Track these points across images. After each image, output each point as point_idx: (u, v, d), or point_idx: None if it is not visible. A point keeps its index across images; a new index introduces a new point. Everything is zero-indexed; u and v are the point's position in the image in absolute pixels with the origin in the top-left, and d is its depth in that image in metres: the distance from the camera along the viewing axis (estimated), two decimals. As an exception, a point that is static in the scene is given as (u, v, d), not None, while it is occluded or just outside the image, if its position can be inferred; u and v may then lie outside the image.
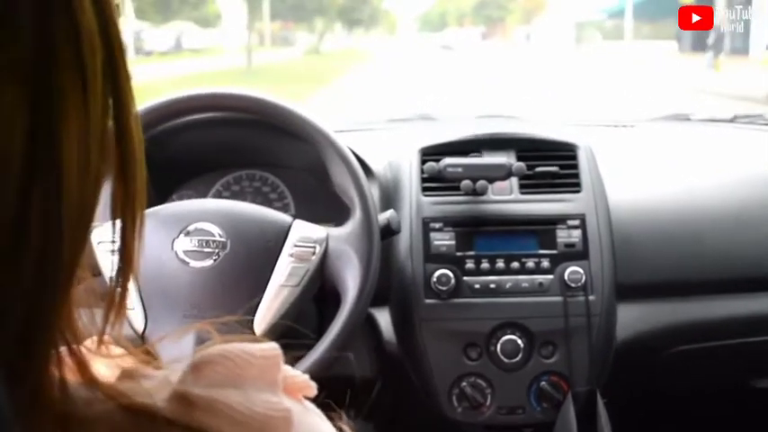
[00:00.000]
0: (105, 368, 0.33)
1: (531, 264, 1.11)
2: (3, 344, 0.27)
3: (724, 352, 1.17)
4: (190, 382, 0.32)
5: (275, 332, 0.89)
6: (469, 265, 1.11)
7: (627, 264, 1.13)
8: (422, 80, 13.42)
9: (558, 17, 31.89)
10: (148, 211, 0.90)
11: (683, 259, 1.16)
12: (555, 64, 18.82)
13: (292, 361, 0.35)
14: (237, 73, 14.05)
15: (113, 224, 0.33)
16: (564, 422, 1.07)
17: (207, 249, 0.90)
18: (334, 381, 0.95)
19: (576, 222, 1.13)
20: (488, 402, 1.10)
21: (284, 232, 0.93)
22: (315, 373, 0.82)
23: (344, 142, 0.98)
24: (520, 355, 1.09)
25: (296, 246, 0.92)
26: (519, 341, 1.09)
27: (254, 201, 1.16)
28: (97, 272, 0.85)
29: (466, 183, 1.12)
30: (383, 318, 1.14)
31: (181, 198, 1.16)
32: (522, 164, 1.11)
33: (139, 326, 0.88)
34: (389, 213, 1.01)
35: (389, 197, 1.17)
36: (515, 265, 1.11)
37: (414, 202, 1.14)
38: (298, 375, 0.36)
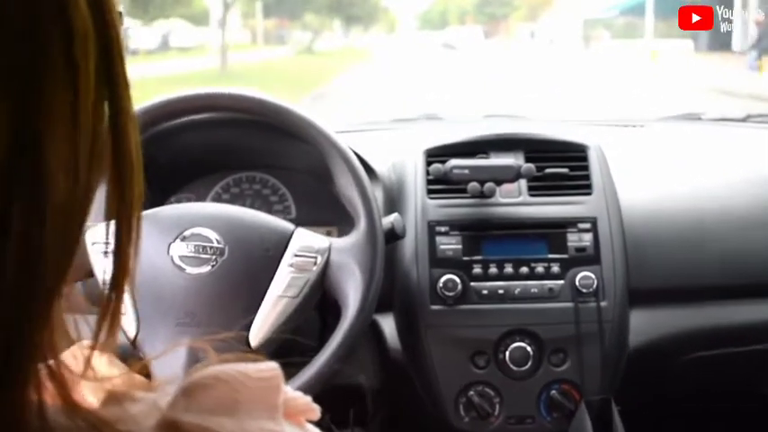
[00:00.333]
0: (88, 389, 0.32)
1: (540, 269, 1.13)
2: None
3: (738, 359, 1.19)
4: (180, 408, 0.31)
5: (272, 344, 0.89)
6: (477, 270, 1.13)
7: (639, 268, 1.15)
8: (423, 80, 13.44)
9: (566, 14, 31.96)
10: (144, 213, 0.91)
11: (697, 264, 1.18)
12: (562, 62, 18.87)
13: (290, 374, 0.35)
14: (209, 76, 13.46)
15: (107, 226, 0.33)
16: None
17: (204, 255, 0.91)
18: (336, 390, 0.97)
19: (587, 226, 1.14)
20: (497, 412, 1.11)
21: (285, 241, 0.93)
22: (313, 388, 0.83)
23: (347, 144, 0.99)
24: (529, 363, 1.11)
25: (296, 255, 0.93)
26: (528, 348, 1.11)
27: (254, 203, 1.18)
28: (90, 274, 0.86)
29: (473, 185, 1.13)
30: (387, 324, 1.15)
31: (179, 201, 1.17)
32: (530, 165, 1.13)
33: (131, 331, 0.88)
34: (394, 217, 1.01)
35: (394, 200, 1.18)
36: (524, 270, 1.13)
37: (419, 204, 1.16)
38: (299, 397, 0.35)
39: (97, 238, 0.82)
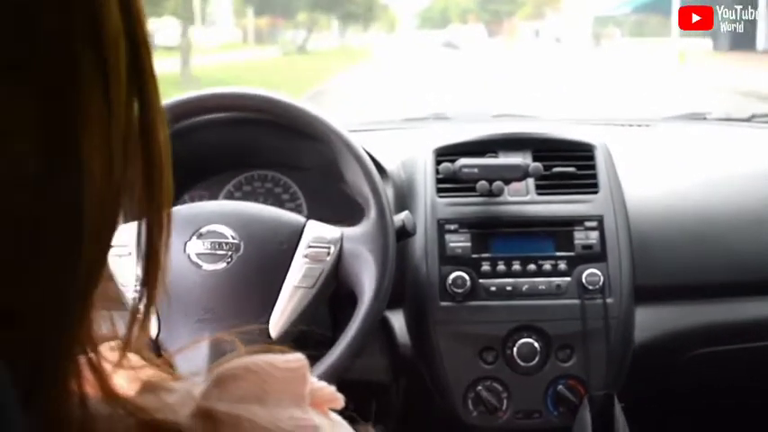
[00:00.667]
0: (124, 380, 0.34)
1: (547, 266, 1.20)
2: (19, 355, 0.27)
3: (744, 355, 1.26)
4: (214, 398, 0.32)
5: (289, 336, 0.95)
6: (485, 267, 1.20)
7: (645, 265, 1.22)
8: (425, 80, 13.45)
9: (575, 11, 32.04)
10: None
11: (703, 261, 1.25)
12: (572, 61, 18.93)
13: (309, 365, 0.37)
14: (167, 81, 12.64)
15: (139, 225, 0.34)
16: (581, 427, 1.16)
17: (220, 252, 0.96)
18: (347, 384, 1.03)
19: (594, 224, 1.21)
20: (504, 407, 1.18)
21: (298, 233, 0.99)
22: (332, 378, 0.90)
23: (358, 141, 1.05)
24: (536, 359, 1.18)
25: (310, 246, 0.98)
26: (535, 344, 1.18)
27: (265, 201, 1.24)
28: (108, 277, 0.92)
29: (482, 183, 1.20)
30: (397, 320, 1.23)
31: (192, 199, 1.23)
32: (538, 164, 1.19)
33: (153, 330, 0.94)
34: (404, 215, 1.07)
35: (403, 198, 1.25)
36: (532, 267, 1.20)
37: (428, 203, 1.23)
38: (324, 387, 0.37)
39: (114, 241, 0.88)
